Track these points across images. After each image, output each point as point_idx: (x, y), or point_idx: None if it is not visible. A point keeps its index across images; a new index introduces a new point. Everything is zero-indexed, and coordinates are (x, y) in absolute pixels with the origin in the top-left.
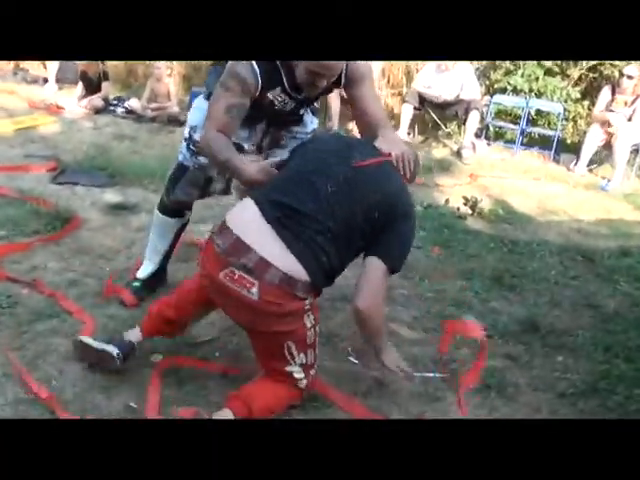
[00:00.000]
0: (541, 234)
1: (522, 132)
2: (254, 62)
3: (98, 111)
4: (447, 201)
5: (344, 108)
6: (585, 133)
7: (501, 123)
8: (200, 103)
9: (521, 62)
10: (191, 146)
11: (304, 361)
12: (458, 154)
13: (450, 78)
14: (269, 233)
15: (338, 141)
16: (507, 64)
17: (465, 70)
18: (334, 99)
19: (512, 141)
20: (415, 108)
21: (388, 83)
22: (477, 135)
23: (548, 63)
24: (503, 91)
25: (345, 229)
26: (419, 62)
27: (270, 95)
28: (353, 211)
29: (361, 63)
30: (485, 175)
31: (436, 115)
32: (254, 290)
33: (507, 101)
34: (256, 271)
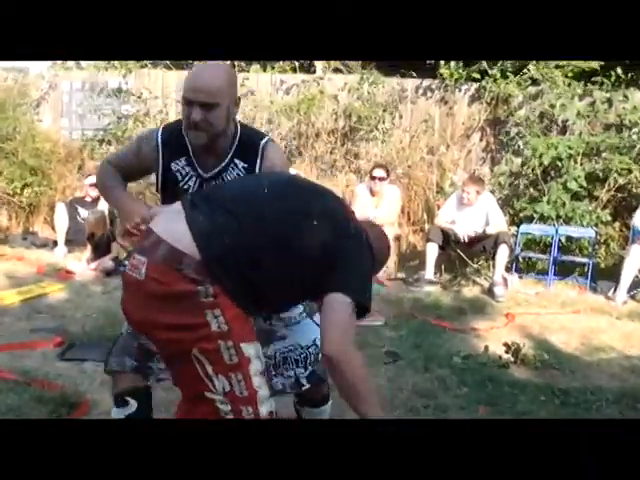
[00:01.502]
0: (593, 379)
1: (554, 261)
2: (156, 132)
3: (109, 273)
4: (486, 348)
5: None
6: (620, 257)
7: (531, 254)
8: None
9: (545, 188)
10: None
11: (227, 388)
12: (490, 292)
13: (473, 212)
14: (178, 216)
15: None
16: (531, 191)
17: (488, 202)
18: None
19: (544, 272)
20: (440, 246)
21: (409, 220)
22: (507, 269)
23: (573, 187)
24: (529, 220)
25: (260, 225)
26: (439, 198)
27: (174, 166)
28: (288, 224)
29: (277, 158)
30: (522, 313)
31: (463, 252)
32: (142, 270)
33: (535, 230)
34: (148, 249)
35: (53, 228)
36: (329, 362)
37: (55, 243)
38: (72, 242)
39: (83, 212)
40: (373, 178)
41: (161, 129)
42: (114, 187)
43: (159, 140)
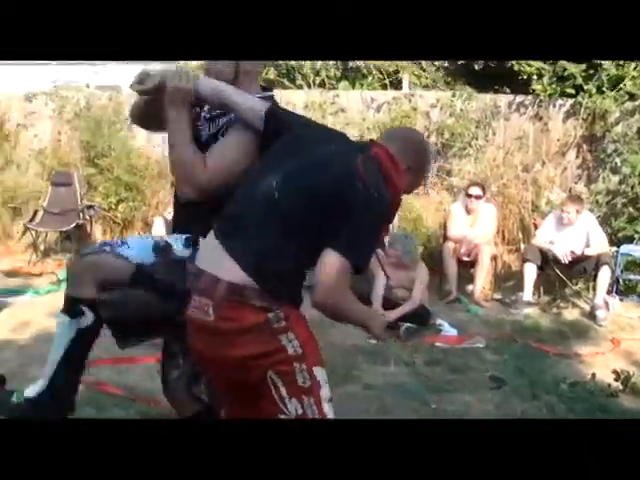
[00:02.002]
0: None
1: None
2: None
3: None
4: (594, 375)
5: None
6: None
7: (631, 276)
8: None
9: None
10: None
11: (300, 411)
12: (591, 315)
13: (573, 232)
14: (219, 250)
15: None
16: (630, 210)
17: (588, 221)
18: (451, 264)
19: None
20: (538, 267)
21: (503, 239)
22: (608, 291)
23: None
24: (629, 240)
25: (290, 224)
26: (536, 217)
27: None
28: (296, 201)
29: None
30: (627, 338)
31: (562, 272)
32: (210, 310)
33: (637, 251)
34: (208, 290)
35: None
36: (317, 307)
37: None
38: None
39: None
40: (469, 196)
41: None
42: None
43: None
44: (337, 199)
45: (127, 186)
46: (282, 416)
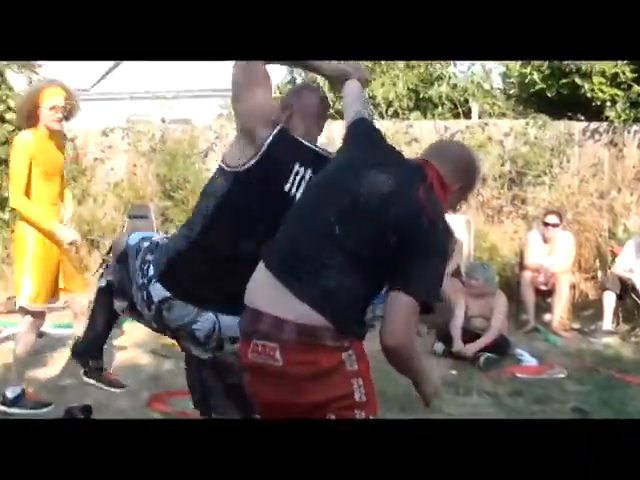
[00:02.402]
0: None
1: None
2: None
3: None
4: None
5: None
6: None
7: None
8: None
9: None
10: None
11: None
12: None
13: None
14: (278, 288)
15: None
16: None
17: None
18: (529, 292)
19: None
20: (618, 295)
21: (579, 268)
22: None
23: None
24: None
25: (355, 260)
26: (613, 244)
27: None
28: (360, 238)
29: None
30: None
31: None
32: (277, 355)
33: None
34: (272, 333)
35: None
36: (385, 351)
37: None
38: None
39: None
40: (546, 225)
41: None
42: None
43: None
44: (403, 236)
45: None
46: None
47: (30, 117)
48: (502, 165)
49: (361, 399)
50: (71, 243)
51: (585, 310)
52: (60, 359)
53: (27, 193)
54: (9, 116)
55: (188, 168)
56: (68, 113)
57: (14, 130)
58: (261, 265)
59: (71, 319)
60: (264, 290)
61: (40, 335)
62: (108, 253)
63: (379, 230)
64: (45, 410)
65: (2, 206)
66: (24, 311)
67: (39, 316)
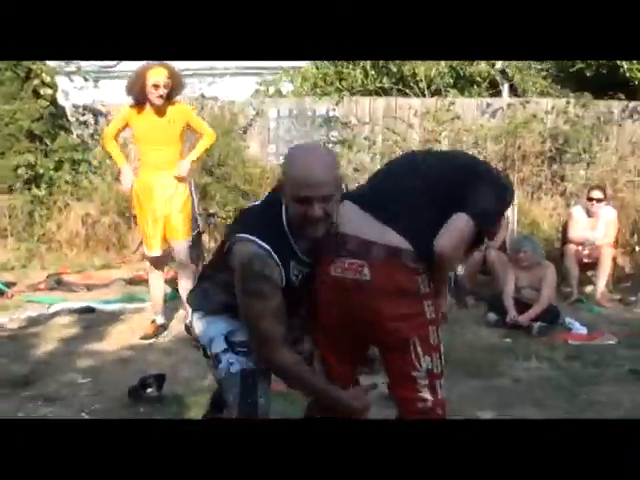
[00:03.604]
0: None
1: None
2: (266, 250)
3: None
4: None
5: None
6: None
7: None
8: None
9: None
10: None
11: (430, 366)
12: None
13: None
14: (365, 218)
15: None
16: None
17: None
18: (573, 266)
19: None
20: None
21: (617, 243)
22: None
23: None
24: None
25: (433, 199)
26: None
27: (292, 273)
28: (436, 183)
29: None
30: None
31: None
32: (365, 271)
33: None
34: (362, 253)
35: None
36: (441, 259)
37: None
38: None
39: None
40: (590, 200)
41: (259, 243)
42: (326, 389)
43: (275, 257)
44: (468, 177)
45: (245, 195)
46: (414, 372)
47: (138, 94)
48: (542, 143)
49: (431, 316)
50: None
51: (623, 283)
52: (114, 333)
53: (141, 162)
54: (43, 91)
55: (228, 144)
56: (170, 90)
57: (48, 106)
58: (348, 203)
59: (115, 294)
60: (354, 219)
61: (92, 310)
62: None
63: (449, 176)
64: None
65: (37, 184)
66: (146, 259)
67: (158, 263)
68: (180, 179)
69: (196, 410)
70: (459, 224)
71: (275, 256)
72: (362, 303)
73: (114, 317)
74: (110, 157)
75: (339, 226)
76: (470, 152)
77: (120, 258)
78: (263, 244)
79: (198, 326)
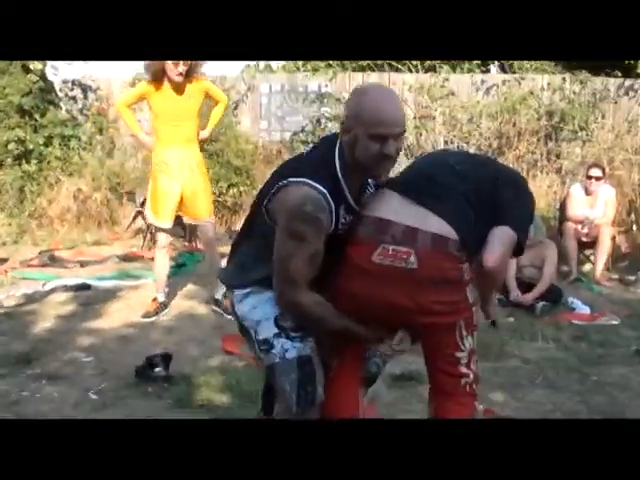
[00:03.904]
0: None
1: None
2: (321, 192)
3: None
4: None
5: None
6: None
7: None
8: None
9: None
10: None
11: (471, 344)
12: None
13: None
14: (407, 204)
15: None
16: None
17: None
18: (572, 244)
19: None
20: None
21: (613, 222)
22: None
23: None
24: None
25: (465, 198)
26: None
27: (341, 220)
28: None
29: None
30: None
31: None
32: (412, 259)
33: None
34: (407, 240)
35: None
36: (491, 273)
37: None
38: None
39: None
40: (589, 178)
41: (314, 185)
42: (347, 326)
43: (330, 200)
44: (507, 187)
45: (237, 170)
46: (458, 354)
47: (157, 72)
48: (538, 120)
49: (472, 300)
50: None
51: (620, 262)
52: (112, 311)
53: (158, 138)
54: (33, 66)
55: (221, 120)
56: (190, 67)
57: (38, 81)
58: (386, 190)
59: (110, 271)
60: (394, 205)
61: (87, 287)
62: (143, 204)
63: (485, 182)
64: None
65: (28, 159)
66: (153, 227)
67: (166, 236)
68: (198, 157)
69: (206, 391)
70: (505, 239)
71: (330, 199)
72: (407, 291)
73: (111, 294)
74: (119, 127)
75: (378, 212)
76: (465, 129)
77: (112, 235)
78: (318, 186)
79: (241, 307)
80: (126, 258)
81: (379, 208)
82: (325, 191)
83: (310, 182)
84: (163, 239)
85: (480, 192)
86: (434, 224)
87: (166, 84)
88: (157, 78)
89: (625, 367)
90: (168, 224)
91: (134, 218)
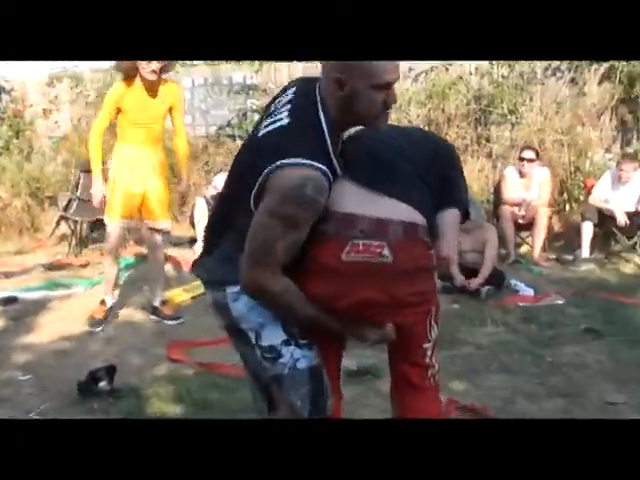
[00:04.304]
0: None
1: None
2: (323, 171)
3: None
4: None
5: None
6: None
7: None
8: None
9: None
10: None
11: (436, 334)
12: None
13: (628, 190)
14: (369, 194)
15: None
16: None
17: None
18: (509, 226)
19: None
20: (595, 225)
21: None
22: None
23: None
24: None
25: (426, 175)
26: (585, 178)
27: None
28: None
29: None
30: None
31: (618, 229)
32: (385, 252)
33: None
34: (378, 233)
35: (192, 224)
36: (444, 262)
37: (191, 240)
38: None
39: None
40: (523, 160)
41: (314, 164)
42: (317, 315)
43: (330, 177)
44: (445, 161)
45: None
46: (425, 345)
47: (129, 69)
48: (467, 105)
49: (436, 287)
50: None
51: (555, 242)
52: (44, 323)
53: (123, 136)
54: None
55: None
56: (162, 66)
57: None
58: (344, 181)
59: (36, 282)
60: (356, 197)
61: (14, 300)
62: (66, 208)
63: (426, 158)
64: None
65: None
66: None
67: (118, 237)
68: (161, 158)
69: (157, 403)
70: (455, 223)
71: (330, 175)
72: (381, 286)
73: (40, 306)
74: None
75: (341, 206)
76: (394, 116)
77: (35, 243)
78: (316, 164)
79: (237, 306)
80: (52, 267)
81: (340, 202)
82: (325, 168)
83: (307, 161)
84: (114, 239)
85: (428, 171)
86: (403, 212)
87: (138, 83)
88: (129, 76)
89: (577, 346)
90: (121, 224)
91: (57, 223)
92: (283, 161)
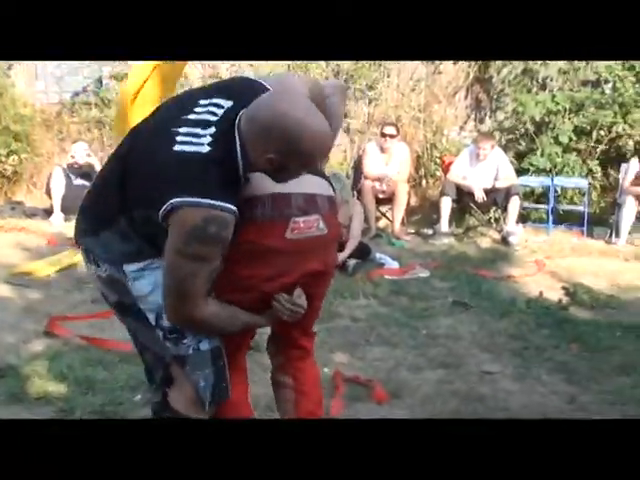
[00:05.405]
0: None
1: (552, 211)
2: (228, 210)
3: None
4: (541, 294)
5: None
6: (612, 204)
7: (527, 204)
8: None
9: (538, 143)
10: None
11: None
12: (504, 241)
13: (485, 167)
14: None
15: None
16: (523, 145)
17: (498, 156)
18: (370, 201)
19: (538, 221)
20: (453, 200)
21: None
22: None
23: (565, 140)
24: (525, 172)
25: None
26: (444, 154)
27: None
28: None
29: None
30: (545, 260)
31: (475, 204)
32: (321, 225)
33: (533, 182)
34: (311, 207)
35: (49, 194)
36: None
37: (46, 212)
38: (67, 210)
39: (75, 179)
40: (383, 135)
41: (221, 204)
42: (247, 321)
43: (236, 212)
44: None
45: (16, 136)
46: (319, 312)
47: None
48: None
49: None
50: None
51: (413, 216)
52: None
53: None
54: None
55: None
56: None
57: None
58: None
59: None
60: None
61: None
62: None
63: None
64: None
65: None
66: None
67: None
68: None
69: (39, 381)
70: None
71: (236, 210)
72: (319, 256)
73: None
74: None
75: (270, 188)
76: None
77: None
78: (224, 204)
79: (138, 286)
80: None
81: (262, 185)
82: (233, 208)
83: (214, 202)
84: None
85: None
86: (322, 186)
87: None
88: None
89: (449, 318)
90: None
91: None
92: (190, 199)
